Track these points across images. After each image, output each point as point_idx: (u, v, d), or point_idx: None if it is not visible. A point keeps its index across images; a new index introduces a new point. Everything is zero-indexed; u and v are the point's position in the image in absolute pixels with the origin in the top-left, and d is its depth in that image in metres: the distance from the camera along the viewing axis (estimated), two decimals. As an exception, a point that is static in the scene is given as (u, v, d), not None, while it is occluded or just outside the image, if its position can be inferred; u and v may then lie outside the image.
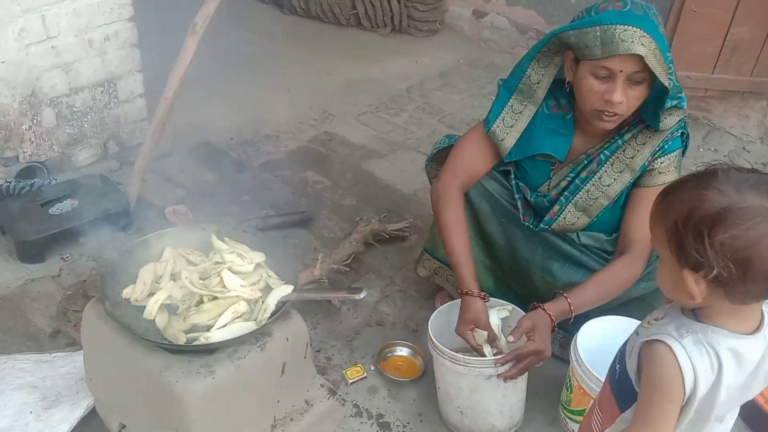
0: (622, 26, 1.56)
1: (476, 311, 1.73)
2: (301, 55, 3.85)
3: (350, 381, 1.95)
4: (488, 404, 1.70)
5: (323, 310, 2.17)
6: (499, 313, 1.78)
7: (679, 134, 1.76)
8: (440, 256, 2.08)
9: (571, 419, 1.79)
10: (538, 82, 1.78)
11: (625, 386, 1.15)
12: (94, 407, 1.75)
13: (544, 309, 1.69)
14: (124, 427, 1.67)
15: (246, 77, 3.55)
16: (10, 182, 2.38)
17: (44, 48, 2.38)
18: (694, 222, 0.97)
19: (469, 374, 1.66)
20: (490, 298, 1.80)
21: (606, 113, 1.66)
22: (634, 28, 1.56)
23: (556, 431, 1.86)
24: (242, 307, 1.59)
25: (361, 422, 1.86)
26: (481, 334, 1.73)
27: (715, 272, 0.96)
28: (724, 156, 3.20)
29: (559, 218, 1.83)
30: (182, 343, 1.52)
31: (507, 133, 1.83)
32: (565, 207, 1.82)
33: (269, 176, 2.86)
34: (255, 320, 1.59)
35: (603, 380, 1.28)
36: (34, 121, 2.46)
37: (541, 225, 1.86)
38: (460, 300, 1.90)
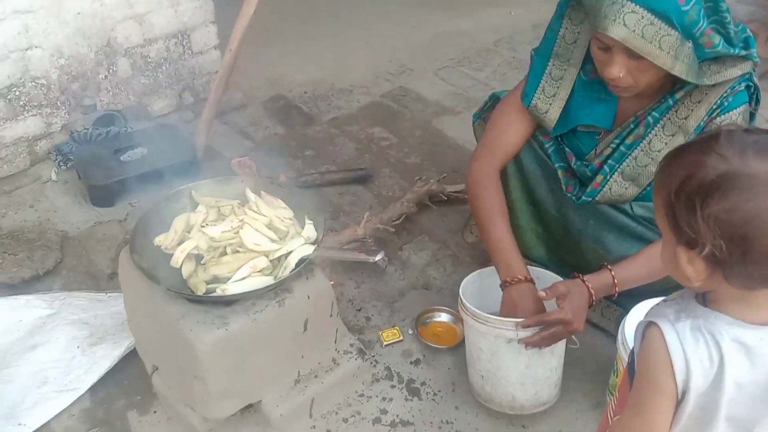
0: None
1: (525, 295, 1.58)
2: (387, 7, 3.74)
3: (385, 343, 1.91)
4: (509, 372, 1.60)
5: (369, 269, 2.12)
6: None
7: (743, 87, 1.50)
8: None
9: (614, 405, 1.65)
10: (575, 42, 1.60)
11: (634, 369, 1.02)
12: (135, 347, 1.83)
13: (582, 279, 1.55)
14: (156, 369, 1.74)
15: (328, 30, 3.51)
16: (88, 129, 2.51)
17: (118, -1, 2.46)
18: (687, 191, 0.82)
19: (489, 334, 1.56)
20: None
21: (611, 85, 1.49)
22: (623, 0, 1.34)
23: (597, 416, 1.72)
24: (262, 262, 1.57)
25: (391, 385, 1.81)
26: None
27: (707, 250, 0.81)
28: None
29: (603, 189, 1.65)
30: (200, 294, 1.54)
31: (550, 104, 1.67)
32: (610, 177, 1.64)
33: (336, 131, 2.82)
34: (275, 276, 1.58)
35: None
36: (110, 70, 2.56)
37: (583, 197, 1.69)
38: None
